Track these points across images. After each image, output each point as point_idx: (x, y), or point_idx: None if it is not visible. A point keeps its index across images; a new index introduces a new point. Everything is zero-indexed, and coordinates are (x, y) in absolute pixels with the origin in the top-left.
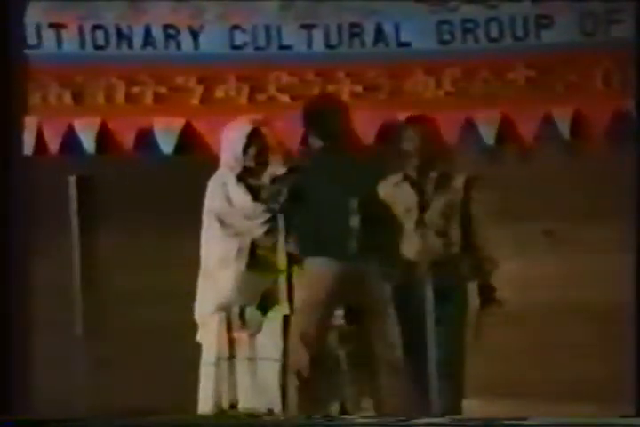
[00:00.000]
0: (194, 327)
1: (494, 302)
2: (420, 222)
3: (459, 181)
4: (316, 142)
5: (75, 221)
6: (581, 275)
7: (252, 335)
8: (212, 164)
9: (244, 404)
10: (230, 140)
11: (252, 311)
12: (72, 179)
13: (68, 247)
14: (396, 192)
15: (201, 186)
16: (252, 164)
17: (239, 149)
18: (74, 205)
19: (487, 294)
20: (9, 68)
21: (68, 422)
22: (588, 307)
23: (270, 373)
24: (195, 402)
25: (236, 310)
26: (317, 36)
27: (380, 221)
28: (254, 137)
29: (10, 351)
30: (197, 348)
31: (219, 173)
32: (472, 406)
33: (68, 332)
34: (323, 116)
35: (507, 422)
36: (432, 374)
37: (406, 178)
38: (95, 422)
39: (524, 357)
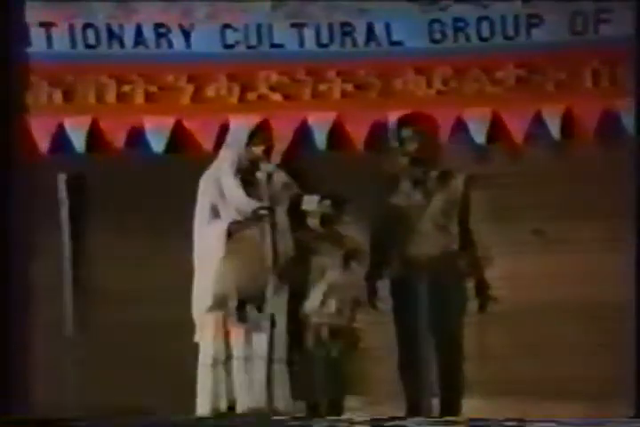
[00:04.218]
0: (184, 326)
1: (490, 300)
2: (420, 219)
3: (459, 180)
4: None
5: (65, 220)
6: (570, 274)
7: (249, 332)
8: (202, 163)
9: (241, 404)
10: (236, 135)
11: (249, 307)
12: (62, 178)
13: (58, 246)
14: (398, 191)
15: (191, 185)
16: (255, 158)
17: (243, 142)
18: (64, 204)
19: (483, 292)
20: (8, 68)
21: (68, 422)
22: (577, 306)
23: (264, 371)
24: (186, 402)
25: (232, 305)
26: (309, 34)
27: None
28: (262, 131)
29: (9, 352)
30: (188, 347)
31: (213, 167)
32: (467, 406)
33: (58, 332)
34: None
35: (504, 423)
36: (429, 372)
37: (408, 176)
38: (94, 423)
39: (516, 356)
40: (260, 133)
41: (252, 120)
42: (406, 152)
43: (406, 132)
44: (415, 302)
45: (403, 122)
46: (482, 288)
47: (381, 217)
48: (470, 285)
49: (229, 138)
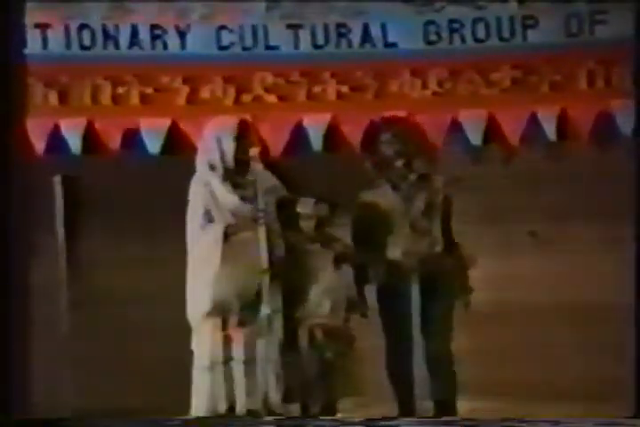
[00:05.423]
0: (182, 327)
1: (466, 305)
2: (403, 224)
3: (438, 182)
4: None
5: (60, 222)
6: (566, 275)
7: (248, 335)
8: None
9: (241, 406)
10: (216, 138)
11: (247, 311)
12: (57, 179)
13: (53, 247)
14: (378, 195)
15: (187, 186)
16: (241, 158)
17: (229, 144)
18: (59, 206)
19: (463, 295)
20: (7, 70)
21: (68, 422)
22: (572, 307)
23: (261, 373)
24: (185, 403)
25: (233, 309)
26: (304, 36)
27: None
28: (243, 131)
29: (9, 352)
30: (186, 348)
31: (198, 175)
32: (466, 407)
33: (57, 332)
34: None
35: (499, 424)
36: (419, 374)
37: (387, 181)
38: (94, 423)
39: (515, 356)
40: (244, 135)
41: (230, 121)
42: (385, 155)
43: (385, 136)
44: (401, 305)
45: (381, 126)
46: (463, 291)
47: (364, 220)
48: (455, 286)
49: (211, 140)
